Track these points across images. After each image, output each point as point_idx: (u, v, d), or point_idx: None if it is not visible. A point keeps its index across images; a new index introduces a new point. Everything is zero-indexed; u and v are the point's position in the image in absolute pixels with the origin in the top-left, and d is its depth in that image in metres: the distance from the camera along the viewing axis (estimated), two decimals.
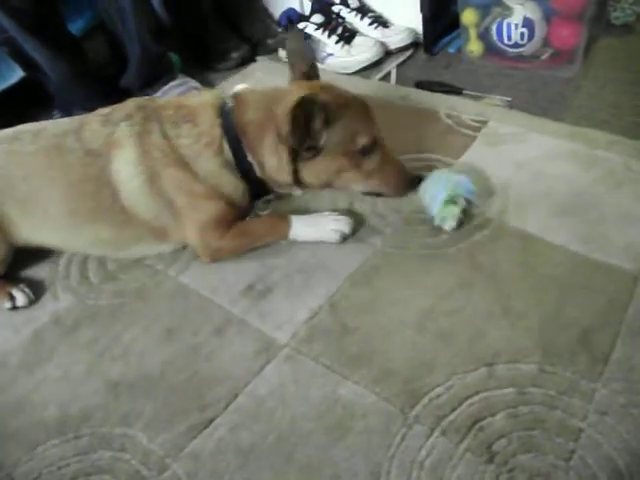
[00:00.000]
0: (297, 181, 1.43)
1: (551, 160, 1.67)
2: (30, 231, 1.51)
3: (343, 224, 1.50)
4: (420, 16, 2.25)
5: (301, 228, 1.49)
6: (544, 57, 2.14)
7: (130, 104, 1.48)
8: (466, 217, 1.50)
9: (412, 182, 1.48)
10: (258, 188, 1.49)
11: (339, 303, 1.36)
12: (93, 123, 1.46)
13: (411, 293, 1.36)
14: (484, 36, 2.19)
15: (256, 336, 1.31)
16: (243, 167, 1.43)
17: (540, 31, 2.09)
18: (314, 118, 1.29)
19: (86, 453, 1.16)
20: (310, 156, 1.37)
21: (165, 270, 1.52)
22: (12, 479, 1.14)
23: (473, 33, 2.21)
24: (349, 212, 1.57)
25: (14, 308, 1.48)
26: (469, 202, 1.50)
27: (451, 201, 1.45)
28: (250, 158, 1.42)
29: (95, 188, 1.43)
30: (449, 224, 1.46)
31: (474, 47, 2.23)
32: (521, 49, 2.14)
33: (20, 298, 1.48)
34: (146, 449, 1.14)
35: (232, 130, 1.40)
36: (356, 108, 1.39)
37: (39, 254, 1.59)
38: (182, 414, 1.19)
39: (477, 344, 1.23)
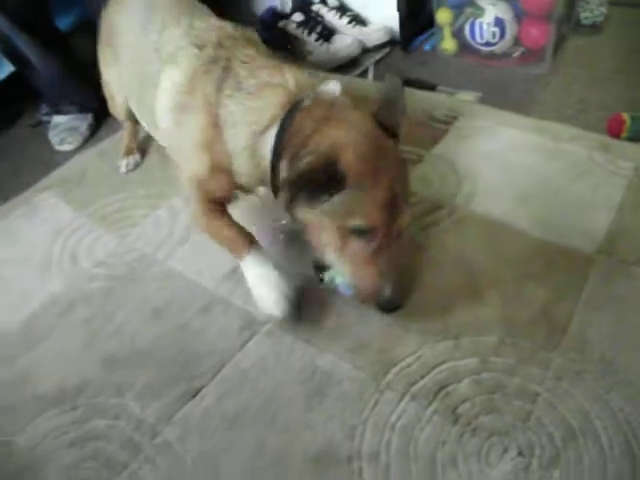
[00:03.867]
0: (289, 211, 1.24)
1: (518, 152, 1.76)
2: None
3: (285, 307, 1.30)
4: (397, 15, 2.35)
5: (251, 270, 1.34)
6: (515, 55, 2.24)
7: (223, 33, 1.39)
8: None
9: (384, 302, 1.21)
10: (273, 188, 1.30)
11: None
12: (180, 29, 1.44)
13: None
14: (458, 35, 2.29)
15: (240, 314, 1.38)
16: (274, 163, 1.24)
17: (511, 30, 2.19)
18: (322, 183, 1.12)
19: (82, 422, 1.23)
20: (305, 204, 1.18)
21: (153, 254, 1.59)
22: (12, 444, 1.21)
23: (447, 32, 2.30)
24: None
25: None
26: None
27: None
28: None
29: (147, 81, 1.50)
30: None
31: (448, 45, 2.32)
32: (493, 47, 2.24)
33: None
34: (138, 417, 1.22)
35: (287, 124, 1.22)
36: (378, 184, 1.14)
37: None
38: (171, 385, 1.26)
39: (446, 319, 1.32)
